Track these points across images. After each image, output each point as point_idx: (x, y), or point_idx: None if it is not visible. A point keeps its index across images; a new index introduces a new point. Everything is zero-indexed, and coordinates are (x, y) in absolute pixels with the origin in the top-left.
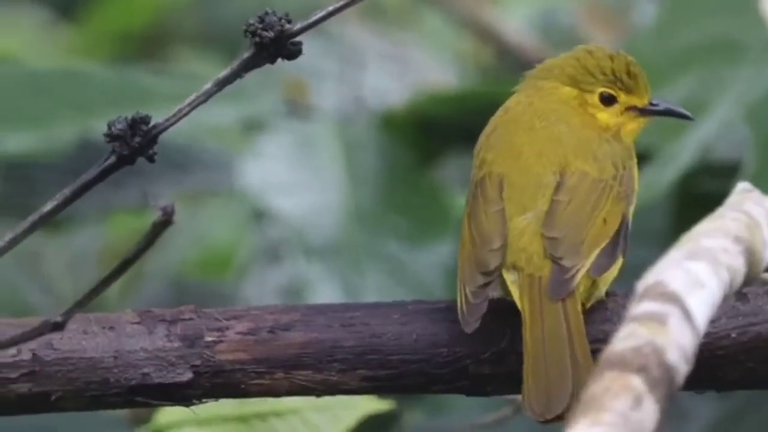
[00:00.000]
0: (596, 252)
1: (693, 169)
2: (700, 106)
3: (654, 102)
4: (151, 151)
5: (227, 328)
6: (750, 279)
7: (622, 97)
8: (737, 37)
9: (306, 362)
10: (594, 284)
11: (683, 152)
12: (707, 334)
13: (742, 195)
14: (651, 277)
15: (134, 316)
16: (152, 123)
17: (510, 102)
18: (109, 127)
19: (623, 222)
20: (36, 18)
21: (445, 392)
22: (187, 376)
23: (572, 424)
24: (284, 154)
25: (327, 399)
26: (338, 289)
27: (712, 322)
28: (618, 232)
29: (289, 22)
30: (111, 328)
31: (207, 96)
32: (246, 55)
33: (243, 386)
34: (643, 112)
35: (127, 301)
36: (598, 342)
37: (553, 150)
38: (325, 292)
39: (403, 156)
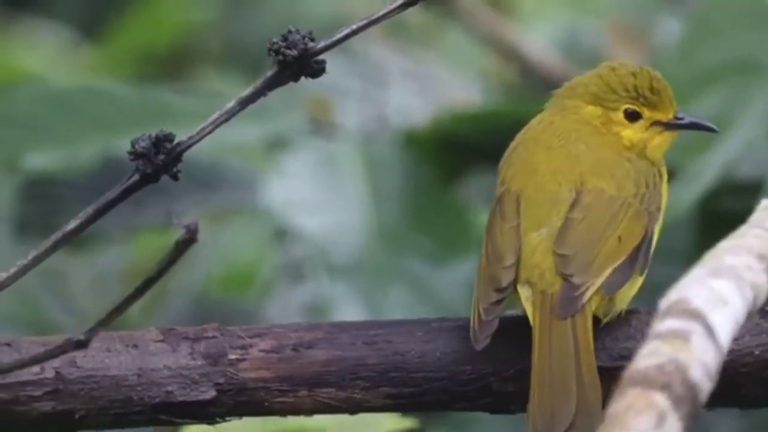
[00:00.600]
0: (609, 270)
1: (716, 186)
2: (724, 124)
3: (679, 116)
4: (174, 169)
5: (250, 346)
6: None
7: (647, 113)
8: (761, 55)
9: (329, 380)
10: (610, 301)
11: (707, 170)
12: (730, 352)
13: (766, 212)
14: (674, 294)
15: (158, 334)
16: (176, 141)
17: (533, 120)
18: (133, 145)
19: (644, 239)
20: (60, 37)
21: (468, 410)
22: (211, 394)
23: None
24: (307, 172)
25: (350, 417)
26: (361, 308)
27: (736, 339)
28: (637, 249)
29: (312, 40)
30: (134, 346)
31: (230, 114)
32: (269, 73)
33: (266, 404)
34: (668, 126)
35: (151, 319)
36: (621, 359)
37: (569, 168)
38: (349, 310)
39: (426, 174)
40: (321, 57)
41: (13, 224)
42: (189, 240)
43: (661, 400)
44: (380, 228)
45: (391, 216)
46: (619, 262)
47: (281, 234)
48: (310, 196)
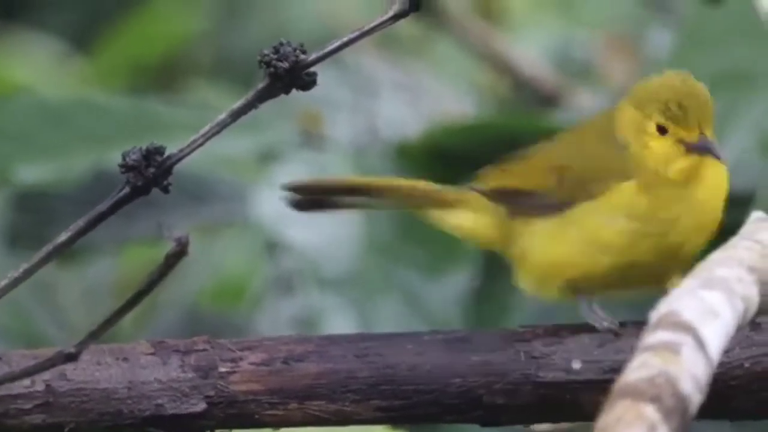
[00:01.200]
0: None
1: None
2: (715, 135)
3: (702, 140)
4: (165, 182)
5: (241, 359)
6: (764, 309)
7: (672, 128)
8: (752, 67)
9: (320, 393)
10: None
11: None
12: (721, 364)
13: (757, 224)
14: (664, 306)
15: (148, 347)
16: (167, 154)
17: None
18: (124, 157)
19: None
20: (51, 49)
21: (458, 422)
22: (201, 406)
23: None
24: None
25: (341, 429)
26: (352, 320)
27: (726, 352)
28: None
29: (303, 52)
30: (125, 359)
31: (221, 126)
32: (260, 85)
33: (257, 417)
34: (689, 148)
35: (141, 332)
36: (611, 372)
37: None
38: (339, 322)
39: None
40: (312, 69)
41: (4, 237)
42: (179, 253)
43: (651, 412)
44: (371, 240)
45: (382, 228)
46: None
47: (272, 247)
48: None
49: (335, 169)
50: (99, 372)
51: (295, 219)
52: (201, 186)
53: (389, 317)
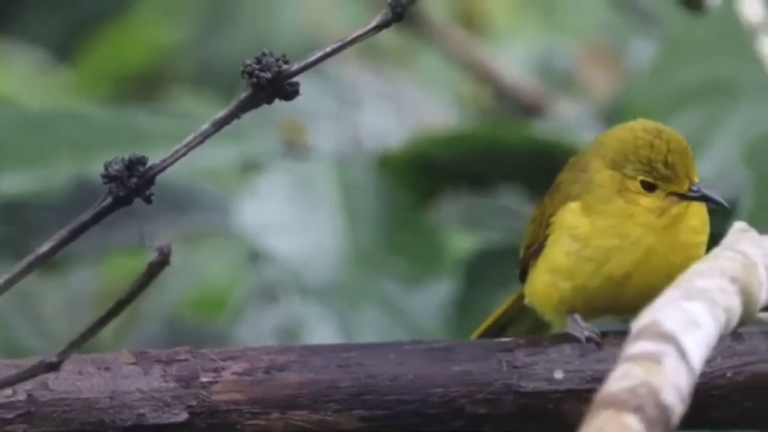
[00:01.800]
0: None
1: None
2: (697, 145)
3: (694, 188)
4: (147, 192)
5: (223, 369)
6: (746, 319)
7: (662, 185)
8: (734, 77)
9: (302, 402)
10: None
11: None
12: (703, 374)
13: (739, 235)
14: (647, 316)
15: (130, 357)
16: (149, 164)
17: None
18: (106, 167)
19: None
20: (33, 59)
21: None
22: (183, 416)
23: None
24: (281, 194)
25: None
26: (334, 330)
27: (708, 361)
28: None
29: (286, 62)
30: (107, 368)
31: (204, 136)
32: (243, 95)
33: (239, 426)
34: (682, 197)
35: (123, 342)
36: (593, 382)
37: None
38: (321, 332)
39: (401, 197)
40: (295, 79)
41: None
42: (162, 262)
43: (633, 422)
44: (354, 250)
45: (364, 238)
46: None
47: (254, 256)
48: (283, 219)
49: (318, 180)
50: (81, 382)
51: (277, 229)
52: (183, 196)
53: (371, 327)
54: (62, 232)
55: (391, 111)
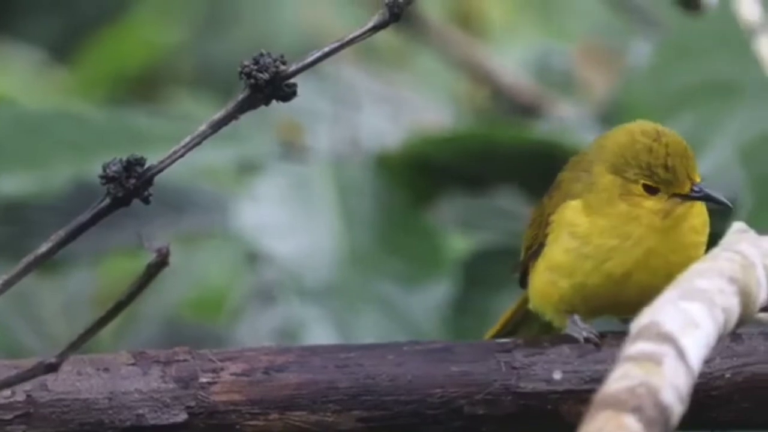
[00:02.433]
0: None
1: None
2: (695, 145)
3: (696, 189)
4: (146, 193)
5: (222, 369)
6: (744, 319)
7: (663, 188)
8: (732, 77)
9: (301, 403)
10: None
11: None
12: (702, 375)
13: (737, 235)
14: (646, 317)
15: (129, 358)
16: (147, 165)
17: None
18: (104, 168)
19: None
20: (32, 60)
21: None
22: (182, 417)
23: None
24: (279, 195)
25: None
26: (333, 331)
27: (707, 362)
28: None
29: (284, 63)
30: (105, 369)
31: (202, 137)
32: (241, 96)
33: (238, 427)
34: (685, 198)
35: (122, 343)
36: (592, 382)
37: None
38: (320, 333)
39: (398, 197)
40: (292, 80)
41: None
42: (160, 263)
43: (632, 423)
44: (352, 251)
45: (362, 239)
46: None
47: (252, 257)
48: (281, 220)
49: (315, 181)
50: (80, 382)
51: (276, 230)
52: (181, 197)
53: (369, 328)
54: (60, 233)
55: (389, 112)
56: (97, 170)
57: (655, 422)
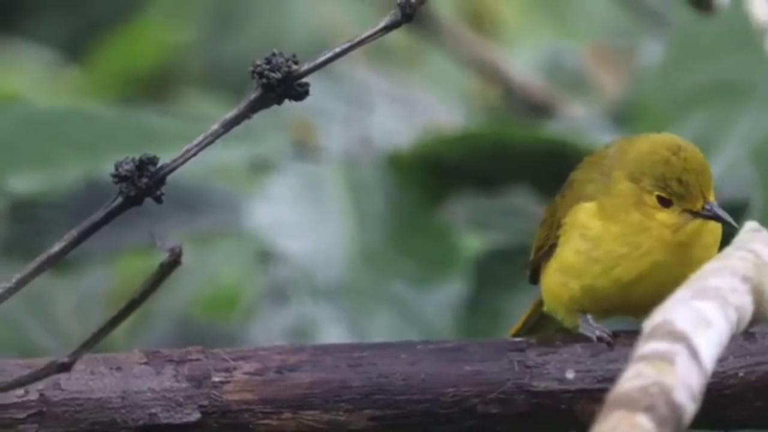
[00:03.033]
0: None
1: None
2: (706, 145)
3: (707, 207)
4: (158, 192)
5: (235, 369)
6: (757, 318)
7: (676, 202)
8: (743, 77)
9: (313, 402)
10: None
11: None
12: (715, 374)
13: (750, 234)
14: (658, 316)
15: (142, 357)
16: (160, 164)
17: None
18: (117, 167)
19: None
20: (44, 60)
21: None
22: (195, 416)
23: None
24: (292, 195)
25: None
26: (345, 330)
27: (720, 361)
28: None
29: (296, 63)
30: (118, 368)
31: (214, 137)
32: (253, 96)
33: (251, 426)
34: (696, 215)
35: (135, 342)
36: (605, 381)
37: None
38: (333, 332)
39: (410, 197)
40: (305, 80)
41: None
42: (173, 263)
43: (645, 422)
44: (364, 250)
45: (375, 238)
46: None
47: (265, 257)
48: (294, 219)
49: (328, 180)
50: (93, 382)
51: (288, 229)
52: (194, 196)
53: (382, 327)
54: (73, 232)
55: (401, 111)
56: (109, 169)
57: (668, 421)
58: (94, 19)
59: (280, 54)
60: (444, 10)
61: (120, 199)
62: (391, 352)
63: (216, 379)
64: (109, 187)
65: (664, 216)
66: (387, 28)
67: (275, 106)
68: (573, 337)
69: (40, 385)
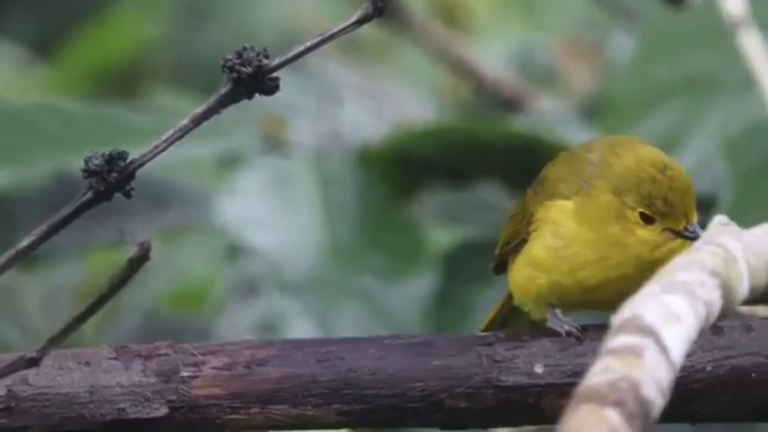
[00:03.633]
0: None
1: None
2: (676, 140)
3: (690, 228)
4: (128, 187)
5: (203, 363)
6: (726, 313)
7: (658, 220)
8: (714, 72)
9: (282, 397)
10: None
11: None
12: (683, 368)
13: (719, 228)
14: (627, 310)
15: (110, 352)
16: (129, 159)
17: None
18: (86, 162)
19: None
20: (13, 56)
21: (420, 426)
22: (163, 411)
23: None
24: (261, 189)
25: None
26: (314, 325)
27: (688, 355)
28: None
29: (266, 57)
30: (87, 363)
31: (184, 132)
32: (223, 90)
33: (219, 421)
34: (677, 235)
35: (104, 337)
36: (573, 376)
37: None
38: (301, 327)
39: (380, 191)
40: (275, 74)
41: None
42: (142, 257)
43: (613, 416)
44: (333, 245)
45: (344, 233)
46: None
47: (233, 251)
48: (263, 214)
49: (297, 175)
50: (61, 377)
51: (257, 223)
52: (163, 191)
53: (350, 322)
54: (42, 227)
55: (371, 106)
56: (79, 164)
57: (636, 416)
58: (64, 15)
59: (251, 48)
60: (416, 5)
61: (89, 194)
62: (360, 346)
63: (184, 373)
64: (79, 182)
65: (645, 233)
66: (359, 22)
67: (246, 101)
68: (542, 331)
69: (8, 380)
